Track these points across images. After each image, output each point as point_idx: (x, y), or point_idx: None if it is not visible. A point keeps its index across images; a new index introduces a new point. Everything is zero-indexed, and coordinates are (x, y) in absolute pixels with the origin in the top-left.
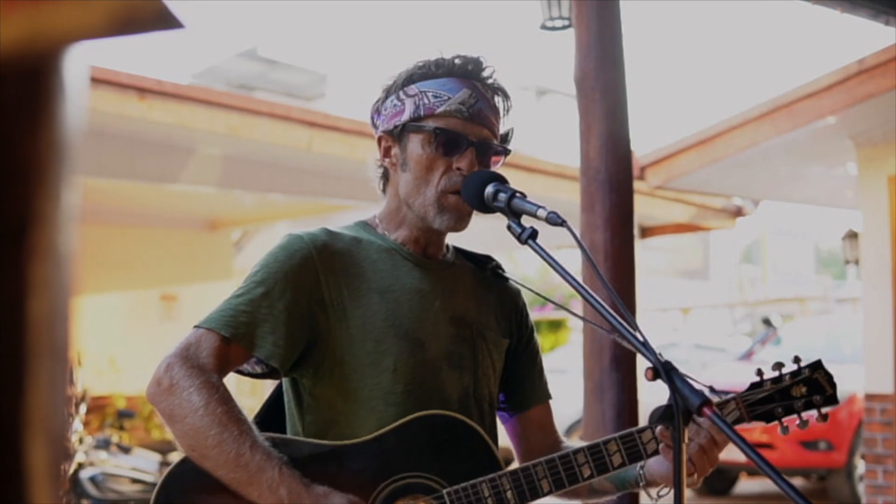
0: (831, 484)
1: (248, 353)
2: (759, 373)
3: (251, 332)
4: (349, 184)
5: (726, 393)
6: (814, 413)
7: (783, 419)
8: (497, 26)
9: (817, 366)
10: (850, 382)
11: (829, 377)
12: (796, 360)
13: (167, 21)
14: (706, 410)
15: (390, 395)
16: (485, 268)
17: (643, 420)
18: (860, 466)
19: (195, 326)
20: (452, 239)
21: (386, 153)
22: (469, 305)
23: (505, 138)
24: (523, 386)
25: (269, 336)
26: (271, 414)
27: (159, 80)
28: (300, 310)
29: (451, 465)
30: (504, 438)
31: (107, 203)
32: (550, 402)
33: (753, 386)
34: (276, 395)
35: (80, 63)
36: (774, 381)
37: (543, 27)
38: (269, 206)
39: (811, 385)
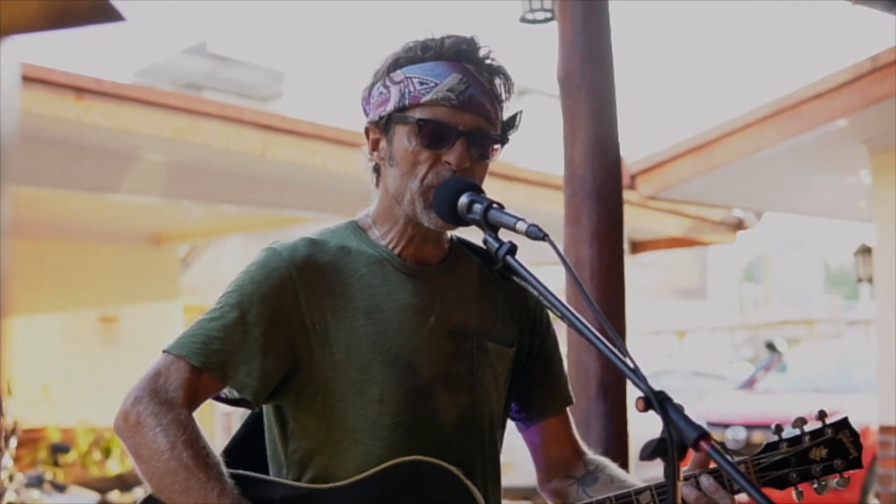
0: None
1: (220, 384)
2: (778, 430)
3: (223, 361)
4: (308, 193)
5: (726, 426)
6: (833, 478)
7: (799, 485)
8: (472, 19)
9: (843, 425)
10: (863, 413)
11: (855, 437)
12: (821, 415)
13: (106, 14)
14: (703, 444)
15: (377, 427)
16: (492, 264)
17: (633, 454)
18: None
19: (164, 351)
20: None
21: (374, 146)
22: (471, 312)
23: (510, 123)
24: (535, 395)
25: (242, 366)
26: (250, 437)
27: (98, 79)
28: (278, 337)
29: None
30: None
31: (40, 215)
32: (569, 409)
33: (769, 447)
34: (255, 418)
35: (11, 60)
36: (791, 442)
37: (523, 20)
38: (219, 219)
39: (833, 447)
